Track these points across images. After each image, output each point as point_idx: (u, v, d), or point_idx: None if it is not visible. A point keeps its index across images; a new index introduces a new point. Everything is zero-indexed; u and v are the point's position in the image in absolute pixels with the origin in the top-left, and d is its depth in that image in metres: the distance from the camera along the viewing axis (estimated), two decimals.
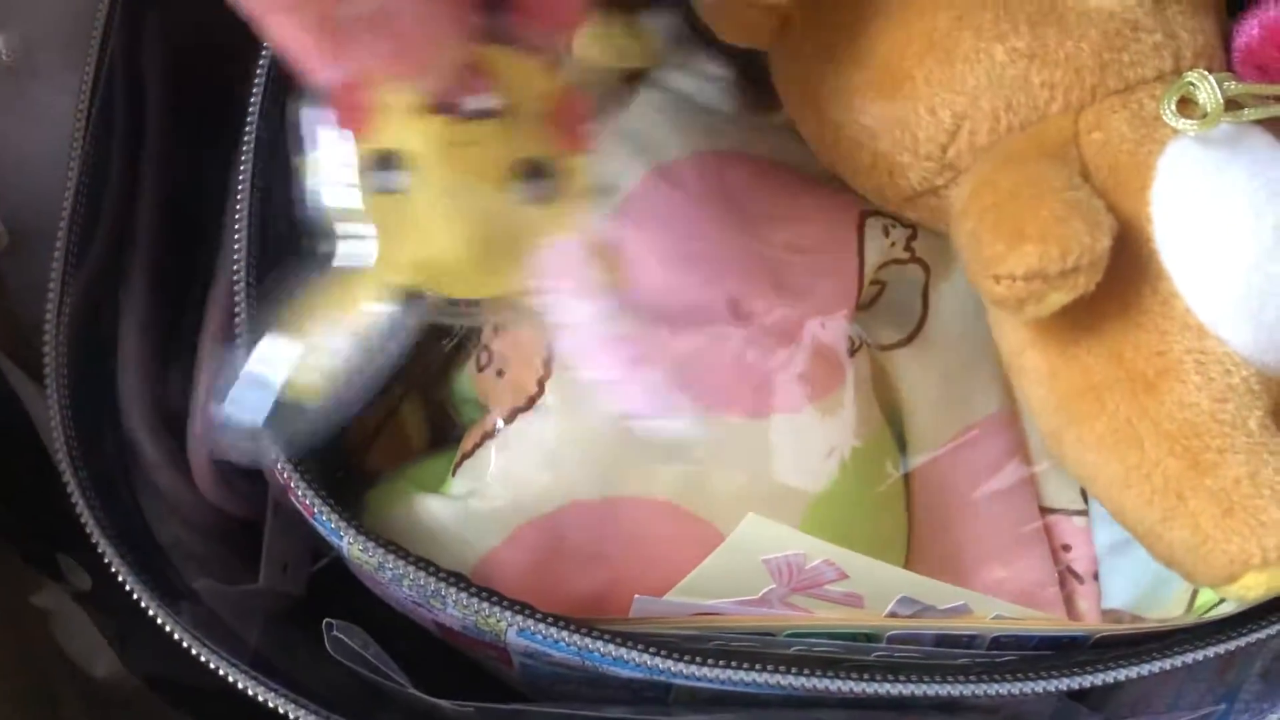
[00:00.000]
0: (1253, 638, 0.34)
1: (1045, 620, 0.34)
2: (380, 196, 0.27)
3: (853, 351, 0.38)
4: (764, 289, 0.37)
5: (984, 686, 0.33)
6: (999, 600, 0.33)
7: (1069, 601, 0.39)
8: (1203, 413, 0.31)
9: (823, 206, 0.38)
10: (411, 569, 0.32)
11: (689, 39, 0.42)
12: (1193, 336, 0.31)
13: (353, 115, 0.27)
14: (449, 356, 0.40)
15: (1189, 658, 0.34)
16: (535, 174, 0.28)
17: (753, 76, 0.42)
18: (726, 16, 0.37)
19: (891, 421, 0.40)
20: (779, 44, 0.37)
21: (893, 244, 0.38)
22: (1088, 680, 0.33)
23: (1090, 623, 0.38)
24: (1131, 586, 0.38)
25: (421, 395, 0.42)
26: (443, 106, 0.27)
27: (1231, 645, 0.34)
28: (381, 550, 0.32)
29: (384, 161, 0.27)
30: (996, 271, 0.30)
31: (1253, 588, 0.31)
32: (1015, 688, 0.33)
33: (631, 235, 0.37)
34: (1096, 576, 0.39)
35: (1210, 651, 0.34)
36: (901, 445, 0.40)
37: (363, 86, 0.27)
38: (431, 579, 0.32)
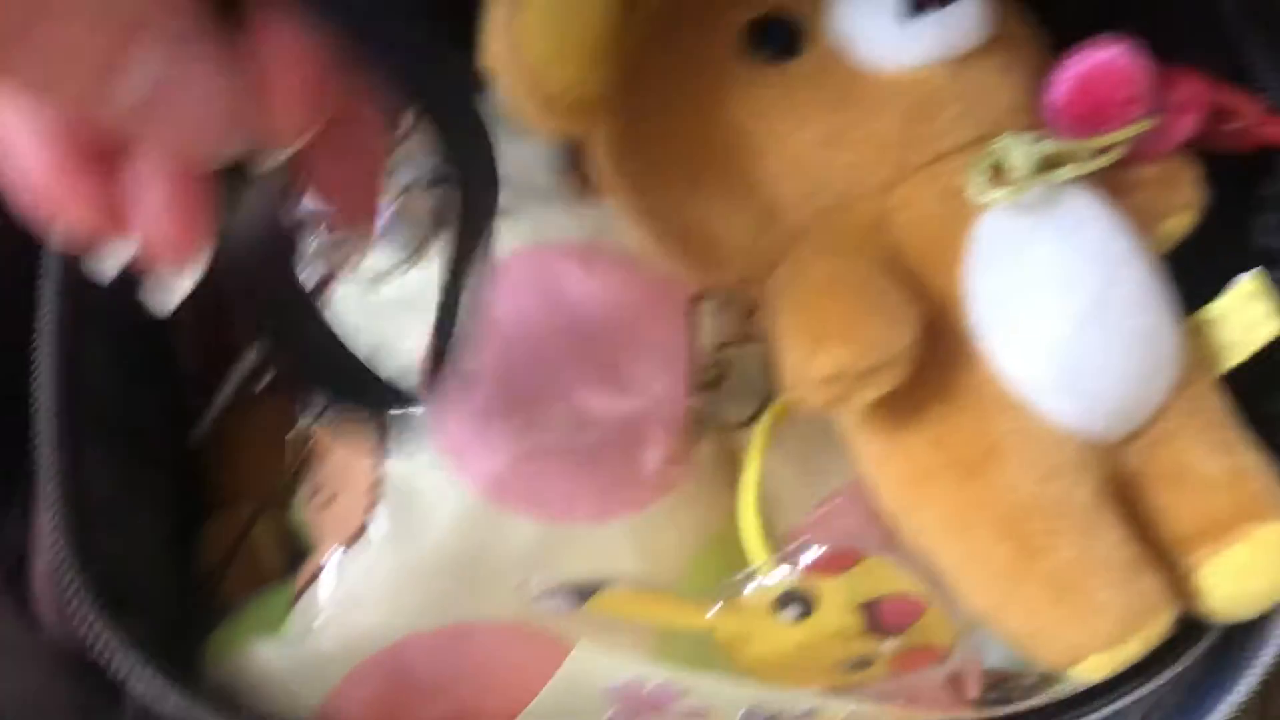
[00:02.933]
0: (1117, 705, 0.33)
1: (898, 716, 0.33)
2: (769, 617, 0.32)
3: (696, 438, 0.37)
4: (598, 387, 0.36)
5: None
6: (846, 701, 0.32)
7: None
8: (1028, 494, 0.30)
9: (650, 293, 0.37)
10: None
11: (514, 124, 0.41)
12: (1013, 416, 0.30)
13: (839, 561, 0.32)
14: (293, 477, 0.39)
15: None
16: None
17: (583, 160, 0.41)
18: (535, 112, 0.35)
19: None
20: (593, 135, 0.36)
21: (726, 325, 0.37)
22: None
23: (960, 687, 0.37)
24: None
25: (274, 515, 0.41)
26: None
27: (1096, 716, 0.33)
28: (200, 709, 0.31)
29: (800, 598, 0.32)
30: (801, 376, 0.29)
31: (1095, 669, 0.30)
32: None
33: None
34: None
35: None
36: (764, 520, 0.39)
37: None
38: None
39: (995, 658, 0.39)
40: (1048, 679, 0.35)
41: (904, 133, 0.32)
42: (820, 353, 0.28)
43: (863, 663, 0.33)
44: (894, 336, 0.29)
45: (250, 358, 0.42)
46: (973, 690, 0.38)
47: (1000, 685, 0.37)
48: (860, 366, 0.28)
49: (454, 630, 0.34)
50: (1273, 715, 0.49)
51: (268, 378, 0.41)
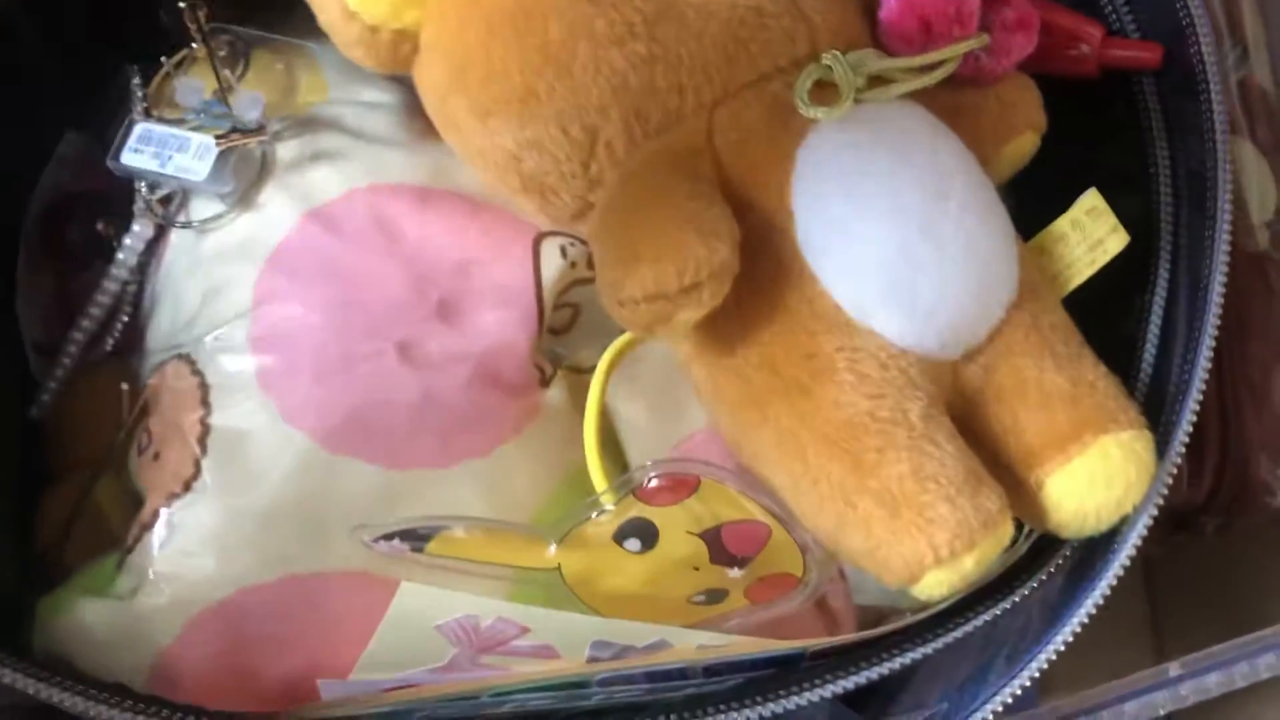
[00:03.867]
0: (959, 632, 0.33)
1: (750, 643, 0.32)
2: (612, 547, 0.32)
3: (546, 381, 0.36)
4: (436, 327, 0.35)
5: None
6: (697, 631, 0.32)
7: (820, 601, 0.38)
8: (860, 412, 0.29)
9: (492, 232, 0.36)
10: (56, 690, 0.30)
11: (350, 67, 0.40)
12: (842, 334, 0.30)
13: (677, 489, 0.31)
14: (126, 436, 0.38)
15: (910, 657, 0.33)
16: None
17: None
18: (355, 44, 0.34)
19: (610, 441, 0.38)
20: (416, 69, 0.35)
21: (573, 264, 0.36)
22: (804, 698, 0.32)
23: (833, 624, 0.37)
24: None
25: (114, 479, 0.39)
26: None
27: (949, 638, 0.33)
28: (19, 674, 0.30)
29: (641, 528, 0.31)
30: (618, 297, 0.28)
31: (934, 586, 0.30)
32: (735, 717, 0.32)
33: (287, 287, 0.34)
34: (844, 575, 0.38)
35: (929, 649, 0.33)
36: (622, 466, 0.38)
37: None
38: (79, 698, 0.29)
39: (867, 594, 0.38)
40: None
41: (728, 51, 0.31)
42: (635, 272, 0.28)
43: (717, 594, 0.33)
44: (709, 252, 0.28)
45: (90, 325, 0.40)
46: (848, 629, 0.37)
47: (879, 624, 0.36)
48: (679, 284, 0.27)
49: (294, 581, 0.33)
50: (1169, 649, 0.50)
51: (109, 343, 0.40)
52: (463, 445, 0.34)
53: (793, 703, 0.33)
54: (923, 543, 0.29)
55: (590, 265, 0.37)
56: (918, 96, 0.33)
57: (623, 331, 0.37)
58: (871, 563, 0.30)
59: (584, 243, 0.36)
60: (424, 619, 0.30)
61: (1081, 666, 0.37)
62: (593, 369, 0.37)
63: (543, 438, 0.36)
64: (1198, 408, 0.35)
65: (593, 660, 0.32)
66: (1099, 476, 0.31)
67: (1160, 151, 0.39)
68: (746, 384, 0.30)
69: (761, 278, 0.29)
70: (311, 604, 0.33)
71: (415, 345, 0.34)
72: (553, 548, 0.32)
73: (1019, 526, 0.33)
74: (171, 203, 0.37)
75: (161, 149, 0.36)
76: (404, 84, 0.39)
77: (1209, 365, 0.35)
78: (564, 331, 0.37)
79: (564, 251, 0.36)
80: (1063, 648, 0.34)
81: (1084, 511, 0.32)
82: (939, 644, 0.33)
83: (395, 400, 0.34)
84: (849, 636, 0.33)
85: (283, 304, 0.34)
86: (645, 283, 0.27)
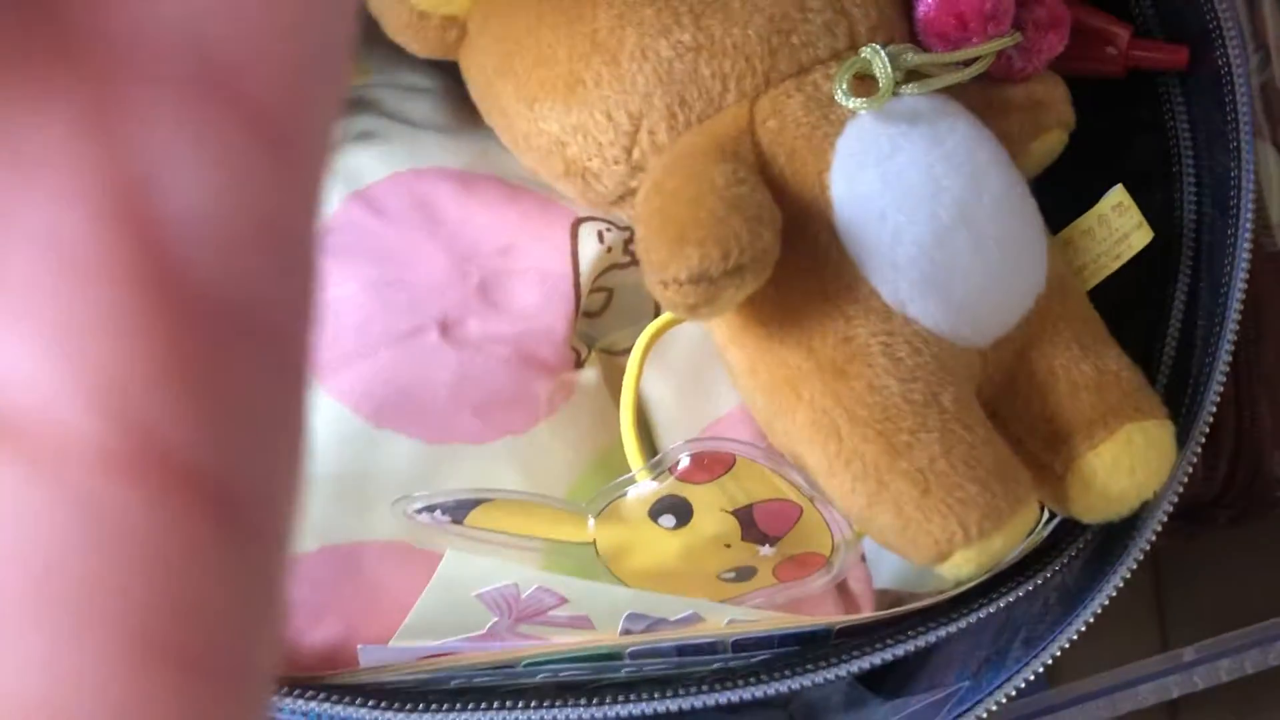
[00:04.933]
0: (981, 613, 0.33)
1: (779, 619, 0.33)
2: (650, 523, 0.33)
3: (580, 362, 0.37)
4: (476, 307, 0.35)
5: (725, 694, 0.32)
6: (728, 606, 0.32)
7: (841, 585, 0.39)
8: (894, 395, 0.30)
9: (531, 216, 0.37)
10: None
11: (393, 51, 0.41)
12: (877, 319, 0.30)
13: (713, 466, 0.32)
14: None
15: (930, 638, 0.34)
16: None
17: (462, 86, 0.40)
18: (404, 29, 0.35)
19: (640, 422, 0.39)
20: (463, 54, 0.36)
21: (609, 249, 0.37)
22: (832, 672, 0.33)
23: (852, 607, 0.38)
24: (900, 565, 0.38)
25: None
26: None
27: (971, 619, 0.34)
28: None
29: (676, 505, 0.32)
30: (663, 278, 0.29)
31: (963, 564, 0.30)
32: (757, 691, 0.33)
33: (332, 266, 0.35)
34: (864, 558, 0.39)
35: (949, 629, 0.34)
36: (652, 447, 0.39)
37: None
38: None
39: (885, 578, 0.39)
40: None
41: (770, 42, 0.32)
42: (681, 253, 0.28)
43: (746, 572, 0.34)
44: (753, 236, 0.29)
45: None
46: (867, 611, 0.38)
47: (896, 607, 0.37)
48: (723, 267, 0.28)
49: (335, 550, 0.34)
50: (1173, 641, 0.50)
51: None
52: (501, 422, 0.35)
53: (819, 677, 0.33)
54: (953, 522, 0.30)
55: (625, 250, 0.38)
56: (952, 92, 0.34)
57: (656, 316, 0.39)
58: (902, 541, 0.31)
59: (620, 228, 0.37)
60: (466, 587, 0.31)
61: (1087, 653, 0.38)
62: (625, 351, 0.38)
63: (577, 417, 0.37)
64: (1217, 399, 0.36)
65: (626, 632, 0.33)
66: (1122, 463, 0.32)
67: (1185, 151, 0.40)
68: (783, 366, 0.31)
69: (800, 262, 0.30)
70: (350, 573, 0.34)
71: (456, 324, 0.35)
72: (591, 522, 0.32)
73: (1042, 510, 0.34)
74: None
75: None
76: (444, 70, 0.40)
77: (1229, 360, 0.36)
78: (598, 314, 0.38)
79: (601, 236, 0.37)
80: (1078, 634, 0.35)
81: (1107, 496, 0.33)
82: (959, 625, 0.34)
83: (436, 377, 0.35)
84: (873, 615, 0.34)
85: (327, 282, 0.35)
86: (690, 264, 0.28)
